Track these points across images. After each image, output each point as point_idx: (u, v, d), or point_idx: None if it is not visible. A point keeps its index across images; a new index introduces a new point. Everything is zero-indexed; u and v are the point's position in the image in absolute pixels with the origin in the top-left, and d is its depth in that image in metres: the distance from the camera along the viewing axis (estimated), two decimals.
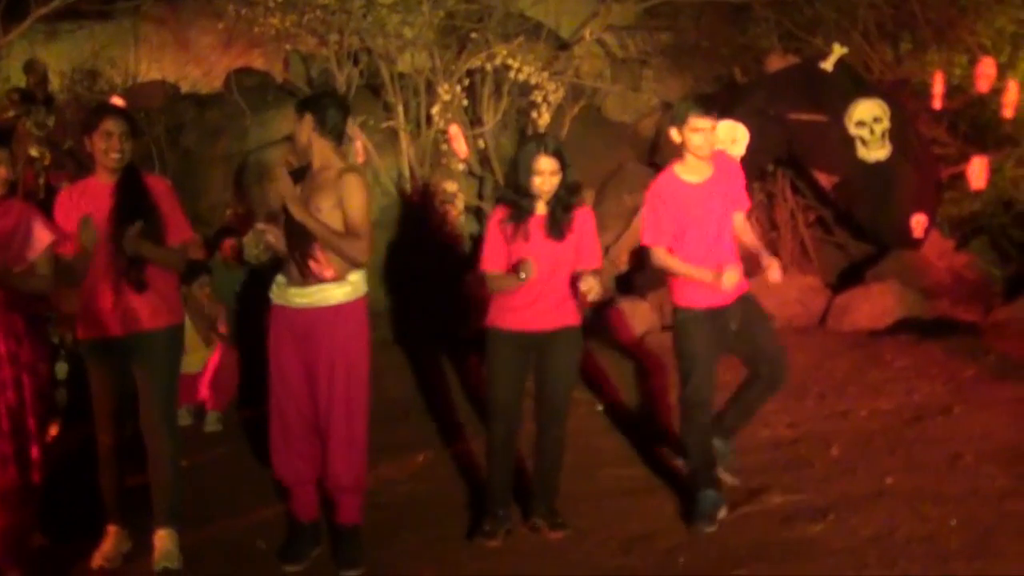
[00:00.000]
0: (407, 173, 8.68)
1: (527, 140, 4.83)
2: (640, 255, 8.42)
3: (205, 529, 4.94)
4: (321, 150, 4.40)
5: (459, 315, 7.57)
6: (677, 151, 4.70)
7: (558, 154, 4.54)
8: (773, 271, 4.71)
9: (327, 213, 4.30)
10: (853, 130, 7.90)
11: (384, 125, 8.65)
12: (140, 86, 10.27)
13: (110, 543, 4.64)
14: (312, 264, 4.33)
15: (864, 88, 8.09)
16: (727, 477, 4.90)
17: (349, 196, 4.28)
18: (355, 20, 8.58)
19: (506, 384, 4.68)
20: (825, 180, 8.16)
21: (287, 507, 4.73)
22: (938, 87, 8.00)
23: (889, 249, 8.21)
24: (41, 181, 8.15)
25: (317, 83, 9.43)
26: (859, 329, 7.54)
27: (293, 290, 4.41)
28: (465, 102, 8.46)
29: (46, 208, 4.74)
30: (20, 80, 9.53)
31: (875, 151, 7.92)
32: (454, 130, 8.30)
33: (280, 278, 4.47)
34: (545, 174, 4.53)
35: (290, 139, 4.65)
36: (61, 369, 6.24)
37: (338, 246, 4.29)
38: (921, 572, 3.99)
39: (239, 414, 6.70)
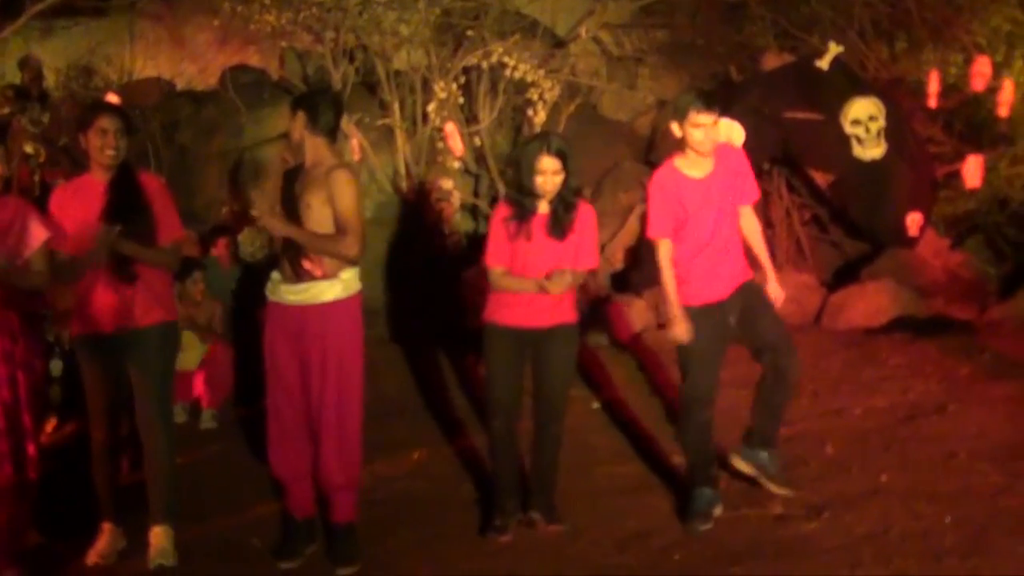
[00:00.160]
0: (403, 171, 8.68)
1: (531, 138, 4.82)
2: (635, 253, 8.45)
3: (200, 526, 4.94)
4: (314, 147, 4.40)
5: (455, 313, 7.57)
6: (678, 144, 4.69)
7: (561, 154, 4.54)
8: (772, 289, 4.72)
9: (317, 209, 4.31)
10: (849, 128, 7.91)
11: (380, 123, 8.65)
12: (136, 83, 10.26)
13: (105, 540, 4.64)
14: (304, 263, 4.34)
15: (860, 86, 8.10)
16: (781, 490, 4.72)
17: (338, 192, 4.29)
18: (351, 17, 8.58)
19: (504, 379, 4.69)
20: (820, 178, 8.17)
21: (282, 504, 4.74)
22: (933, 86, 8.01)
23: (884, 247, 8.22)
24: (36, 178, 8.15)
25: (313, 80, 9.42)
26: (854, 327, 7.55)
27: (285, 287, 4.42)
28: (461, 100, 8.46)
29: (41, 205, 4.74)
30: (15, 77, 9.52)
31: (870, 150, 7.94)
32: (450, 128, 8.30)
33: (275, 275, 4.49)
34: (547, 173, 4.53)
35: (286, 136, 4.66)
36: (56, 366, 6.24)
37: (325, 248, 4.31)
38: (915, 569, 3.99)
39: (235, 411, 6.70)
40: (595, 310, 7.68)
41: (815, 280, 8.16)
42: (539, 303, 4.61)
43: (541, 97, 8.30)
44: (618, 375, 6.90)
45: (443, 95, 8.30)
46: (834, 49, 8.00)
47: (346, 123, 7.98)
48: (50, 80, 9.85)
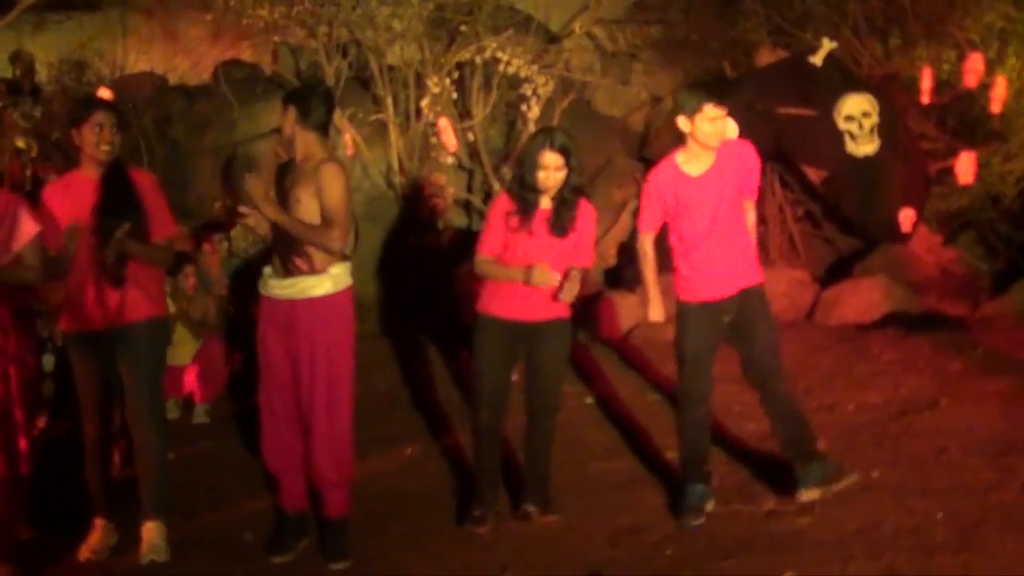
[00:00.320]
0: (396, 166, 8.67)
1: (535, 133, 4.82)
2: (629, 249, 8.45)
3: (192, 522, 4.93)
4: (304, 142, 4.40)
5: (449, 308, 7.56)
6: (679, 139, 4.66)
7: (564, 150, 4.53)
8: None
9: (307, 204, 4.31)
10: (842, 125, 7.91)
11: (373, 118, 8.63)
12: (128, 78, 10.21)
13: (97, 536, 4.63)
14: (295, 259, 4.34)
15: (853, 83, 8.11)
16: (843, 483, 4.63)
17: (326, 185, 4.29)
18: (344, 12, 8.56)
19: (493, 370, 4.70)
20: (814, 174, 8.17)
21: (274, 499, 4.73)
22: (927, 82, 8.02)
23: (877, 243, 8.24)
24: (28, 173, 8.11)
25: (306, 75, 9.39)
26: (847, 323, 7.56)
27: (274, 281, 4.43)
28: (454, 95, 8.45)
29: (33, 200, 4.71)
30: (7, 71, 9.47)
31: (864, 146, 7.94)
32: (443, 123, 8.30)
33: (267, 270, 4.50)
34: (550, 169, 4.53)
35: (278, 131, 4.64)
36: (48, 361, 6.22)
37: (311, 238, 4.30)
38: (907, 564, 4.00)
39: (228, 407, 6.69)
40: (589, 306, 7.68)
41: (808, 276, 8.17)
42: (533, 297, 4.61)
43: (535, 93, 8.30)
44: (611, 370, 6.91)
45: (436, 90, 8.29)
46: (828, 45, 8.00)
47: (339, 118, 7.97)
48: (42, 74, 9.79)
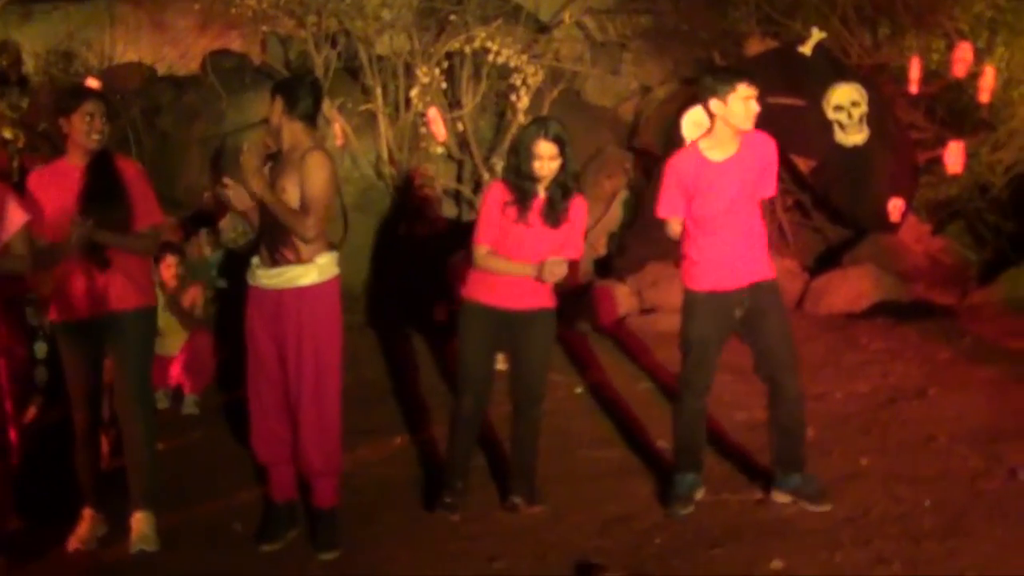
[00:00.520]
0: (385, 156, 8.65)
1: (529, 123, 4.81)
2: (619, 239, 8.46)
3: (182, 512, 4.92)
4: (291, 132, 4.39)
5: (438, 298, 7.56)
6: (702, 126, 4.60)
7: (559, 140, 4.52)
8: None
9: (291, 193, 4.31)
10: (831, 114, 7.93)
11: (362, 108, 8.61)
12: (116, 68, 10.17)
13: (86, 526, 4.62)
14: (282, 247, 4.33)
15: (842, 72, 8.12)
16: (822, 507, 4.49)
17: (308, 173, 4.28)
18: (333, 2, 8.54)
19: (478, 357, 4.70)
20: (803, 164, 8.19)
21: (264, 489, 4.73)
22: (915, 72, 8.04)
23: (866, 233, 8.26)
24: (15, 163, 8.08)
25: (295, 65, 9.37)
26: (835, 312, 7.58)
27: (262, 271, 4.42)
28: (444, 85, 8.44)
29: (20, 190, 4.69)
30: None
31: (853, 135, 7.96)
32: (433, 113, 8.28)
33: (254, 260, 4.48)
34: (544, 158, 4.52)
35: (267, 122, 4.63)
36: (40, 348, 6.19)
37: (287, 221, 4.29)
38: (894, 551, 4.02)
39: (217, 398, 6.67)
40: (579, 296, 7.69)
41: (797, 265, 8.19)
42: (520, 286, 4.61)
43: (524, 82, 8.29)
44: (601, 360, 6.91)
45: (426, 80, 8.27)
46: (817, 35, 8.02)
47: (328, 108, 7.95)
48: (29, 65, 9.76)
